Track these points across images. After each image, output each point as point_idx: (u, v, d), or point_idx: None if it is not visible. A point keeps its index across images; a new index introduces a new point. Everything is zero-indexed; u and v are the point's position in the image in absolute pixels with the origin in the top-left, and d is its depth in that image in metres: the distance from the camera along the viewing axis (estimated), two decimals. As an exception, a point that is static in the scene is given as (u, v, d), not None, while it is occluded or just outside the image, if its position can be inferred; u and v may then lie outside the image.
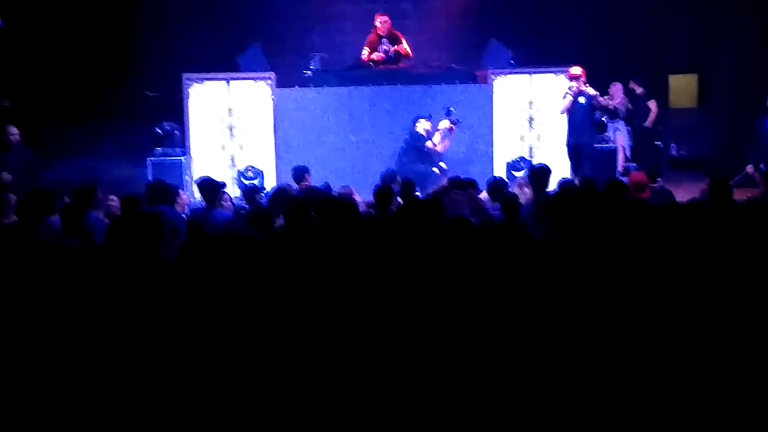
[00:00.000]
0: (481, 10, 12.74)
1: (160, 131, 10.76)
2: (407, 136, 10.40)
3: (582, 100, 10.24)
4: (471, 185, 7.48)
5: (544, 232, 4.92)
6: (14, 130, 10.09)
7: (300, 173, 8.51)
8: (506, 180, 8.82)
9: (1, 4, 10.18)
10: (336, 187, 8.03)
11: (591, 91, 10.33)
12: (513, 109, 10.94)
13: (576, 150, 10.30)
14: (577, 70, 10.30)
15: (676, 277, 3.65)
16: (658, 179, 8.43)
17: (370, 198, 7.01)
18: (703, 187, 7.41)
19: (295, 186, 8.30)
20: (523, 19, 12.49)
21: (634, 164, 11.15)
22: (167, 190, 7.05)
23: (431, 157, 10.28)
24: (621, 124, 11.80)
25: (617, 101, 11.77)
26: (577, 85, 10.23)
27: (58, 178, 9.20)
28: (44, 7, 11.76)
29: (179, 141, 10.80)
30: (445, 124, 10.37)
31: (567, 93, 10.27)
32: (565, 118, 10.41)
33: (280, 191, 7.38)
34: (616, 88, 11.83)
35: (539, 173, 7.59)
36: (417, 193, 7.94)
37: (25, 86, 11.62)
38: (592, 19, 12.47)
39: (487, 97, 10.93)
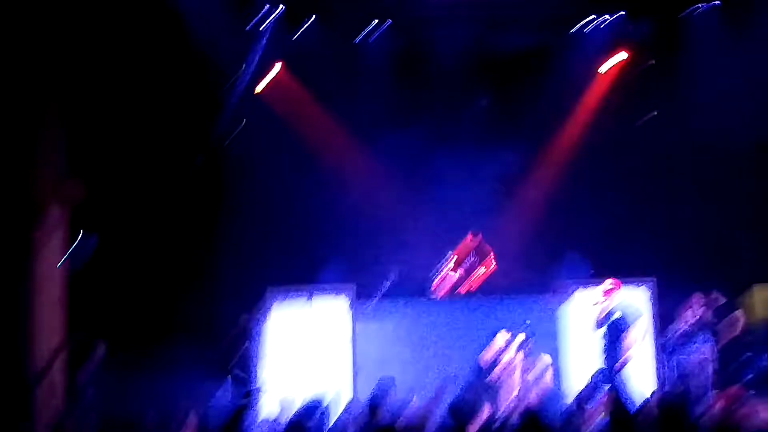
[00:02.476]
0: (553, 225, 12.92)
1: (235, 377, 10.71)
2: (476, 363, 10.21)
3: (618, 315, 9.92)
4: None
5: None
6: (100, 346, 10.26)
7: (386, 386, 8.16)
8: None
9: (96, 219, 10.63)
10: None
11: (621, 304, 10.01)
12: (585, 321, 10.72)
13: (610, 367, 9.84)
14: (608, 284, 10.10)
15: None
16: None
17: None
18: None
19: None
20: (598, 233, 12.58)
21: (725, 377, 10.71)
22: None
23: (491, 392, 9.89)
24: (708, 336, 11.47)
25: (699, 313, 11.52)
26: (608, 300, 9.98)
27: (137, 396, 9.23)
28: (131, 223, 12.29)
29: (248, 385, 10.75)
30: (520, 338, 10.14)
31: (600, 309, 10.01)
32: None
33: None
34: (701, 298, 11.61)
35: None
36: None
37: (109, 304, 11.91)
38: (669, 229, 12.50)
39: (566, 308, 10.79)
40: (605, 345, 9.95)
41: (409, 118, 13.35)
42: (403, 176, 13.49)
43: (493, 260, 11.37)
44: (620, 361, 9.67)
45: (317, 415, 8.56)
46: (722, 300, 11.71)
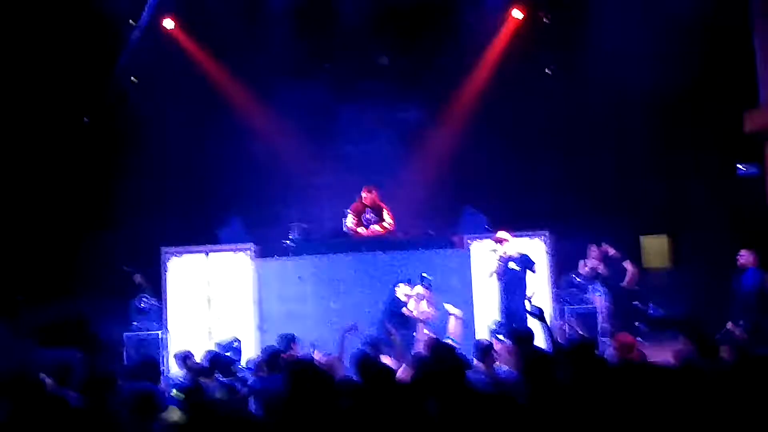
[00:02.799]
0: (454, 178, 13.12)
1: (140, 305, 10.69)
2: (387, 302, 10.40)
3: (513, 265, 10.24)
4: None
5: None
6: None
7: (287, 342, 8.42)
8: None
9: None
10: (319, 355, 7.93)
11: (515, 252, 10.28)
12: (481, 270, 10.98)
13: (511, 314, 10.11)
14: (503, 234, 10.41)
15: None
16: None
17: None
18: (680, 346, 7.41)
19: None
20: (495, 185, 12.84)
21: (616, 325, 11.18)
22: (153, 366, 6.96)
23: (411, 322, 10.24)
24: (600, 286, 11.92)
25: (593, 264, 11.95)
26: (503, 249, 10.27)
27: (34, 355, 9.03)
28: (25, 180, 11.90)
29: (156, 316, 10.71)
30: (418, 289, 10.39)
31: (495, 258, 10.28)
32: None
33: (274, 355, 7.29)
34: (593, 250, 12.03)
35: (525, 338, 7.57)
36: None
37: (4, 261, 11.59)
38: (562, 181, 12.84)
39: (465, 261, 11.04)
40: (504, 289, 10.22)
41: (311, 73, 13.26)
42: (305, 131, 13.43)
43: (389, 216, 11.45)
44: (527, 299, 9.96)
45: (233, 353, 8.61)
46: (613, 251, 12.17)
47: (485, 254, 10.81)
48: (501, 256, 10.24)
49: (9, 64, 11.61)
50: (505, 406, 3.98)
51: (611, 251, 12.19)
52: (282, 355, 8.10)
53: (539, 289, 10.61)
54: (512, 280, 10.18)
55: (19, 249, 11.86)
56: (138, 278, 11.42)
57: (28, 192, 12.05)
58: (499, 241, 10.31)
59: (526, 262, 10.25)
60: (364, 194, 11.51)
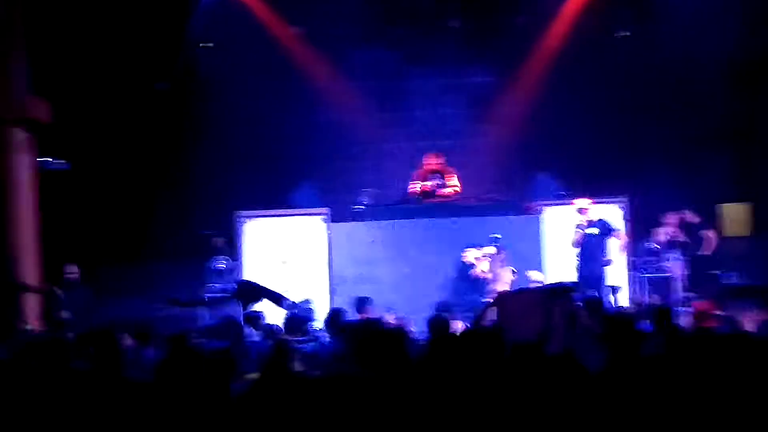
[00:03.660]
0: (526, 143, 12.95)
1: (216, 266, 10.90)
2: (457, 266, 10.42)
3: (595, 230, 10.07)
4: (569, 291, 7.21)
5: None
6: (73, 268, 10.29)
7: (362, 304, 8.54)
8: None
9: (64, 144, 10.59)
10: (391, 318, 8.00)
11: (598, 218, 10.16)
12: (562, 238, 10.89)
13: (587, 281, 9.98)
14: (584, 202, 10.24)
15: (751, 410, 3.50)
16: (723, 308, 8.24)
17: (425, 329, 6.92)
18: (763, 315, 7.22)
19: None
20: (568, 150, 12.64)
21: (694, 294, 10.95)
22: (234, 326, 7.14)
23: (482, 285, 10.22)
24: (678, 253, 11.65)
25: (671, 231, 11.68)
26: (585, 218, 10.12)
27: (114, 316, 9.29)
28: (97, 148, 12.19)
29: (233, 277, 10.90)
30: (490, 250, 10.37)
31: (576, 227, 10.14)
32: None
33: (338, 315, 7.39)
34: (670, 218, 11.75)
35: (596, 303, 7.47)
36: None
37: (83, 226, 11.93)
38: (639, 146, 12.57)
39: (535, 227, 10.94)
40: (581, 255, 10.11)
41: (381, 37, 13.19)
42: (374, 96, 13.41)
43: (457, 181, 11.40)
44: (604, 261, 9.87)
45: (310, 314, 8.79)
46: (692, 218, 11.87)
47: (561, 222, 10.73)
48: (579, 224, 10.14)
49: (85, 31, 11.85)
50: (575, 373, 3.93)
51: (691, 217, 11.90)
52: (358, 315, 8.21)
53: (617, 255, 10.48)
54: (590, 246, 10.09)
55: (99, 213, 12.18)
56: (219, 242, 11.60)
57: (104, 158, 12.33)
58: (581, 210, 10.20)
59: (605, 227, 10.14)
60: (427, 160, 11.50)
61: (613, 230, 10.16)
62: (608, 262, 10.04)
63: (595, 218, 10.16)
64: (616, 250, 10.34)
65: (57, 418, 4.07)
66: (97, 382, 4.52)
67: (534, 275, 10.10)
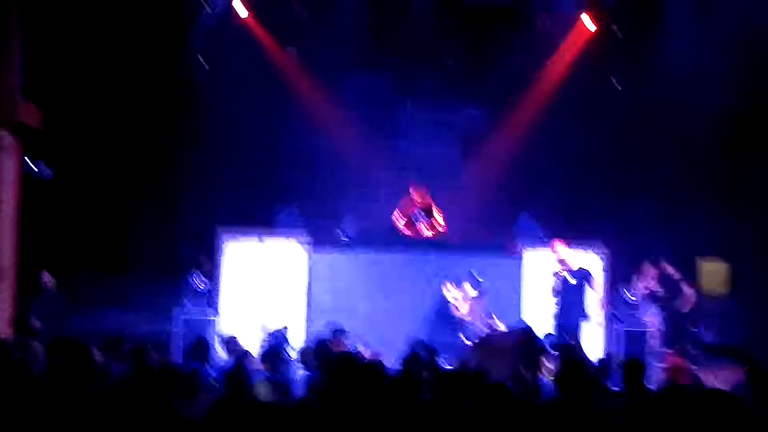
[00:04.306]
0: (512, 185, 13.00)
1: (193, 283, 10.80)
2: (436, 304, 10.39)
3: (573, 280, 10.05)
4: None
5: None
6: (47, 276, 10.18)
7: (337, 335, 8.44)
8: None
9: (44, 149, 10.51)
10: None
11: (578, 267, 10.11)
12: (542, 283, 10.89)
13: (564, 329, 9.95)
14: (561, 250, 10.17)
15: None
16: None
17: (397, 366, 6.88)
18: (737, 375, 7.21)
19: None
20: (554, 195, 12.71)
21: (669, 349, 10.95)
22: (204, 347, 7.08)
23: (459, 325, 10.20)
24: (655, 307, 11.66)
25: (650, 284, 11.71)
26: (562, 267, 10.09)
27: (86, 327, 9.18)
28: (83, 155, 12.12)
29: (208, 297, 10.82)
30: (472, 292, 10.35)
31: (554, 275, 10.11)
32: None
33: (321, 347, 7.32)
34: (649, 271, 11.79)
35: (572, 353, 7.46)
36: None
37: (63, 233, 11.82)
38: (623, 195, 12.66)
39: (516, 268, 10.94)
40: (560, 304, 10.06)
41: (376, 67, 13.25)
42: (365, 125, 13.43)
43: (440, 216, 11.41)
44: (583, 313, 9.82)
45: (284, 344, 8.70)
46: (670, 271, 11.91)
47: (542, 266, 10.71)
48: (557, 272, 10.09)
49: (78, 38, 11.83)
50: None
51: (670, 270, 11.94)
52: (329, 345, 8.13)
53: (595, 309, 10.46)
54: (569, 295, 10.00)
55: (79, 221, 12.08)
56: (203, 260, 11.52)
57: (87, 166, 12.25)
58: (559, 259, 10.13)
59: (584, 277, 10.08)
60: (412, 193, 11.51)
61: (592, 281, 10.10)
62: (586, 317, 9.96)
63: (575, 267, 10.12)
64: (594, 303, 10.29)
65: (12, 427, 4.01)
66: (59, 392, 4.45)
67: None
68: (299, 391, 6.78)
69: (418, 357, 6.88)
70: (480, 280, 10.37)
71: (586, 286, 10.05)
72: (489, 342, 6.62)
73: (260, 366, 7.67)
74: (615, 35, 13.20)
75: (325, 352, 7.19)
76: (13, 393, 4.39)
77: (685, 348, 9.63)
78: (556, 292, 10.08)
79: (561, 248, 10.20)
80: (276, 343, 8.45)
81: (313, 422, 4.23)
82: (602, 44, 13.24)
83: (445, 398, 4.85)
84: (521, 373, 7.09)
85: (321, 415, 4.48)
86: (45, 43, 10.99)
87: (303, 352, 7.36)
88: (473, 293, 10.36)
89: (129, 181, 12.52)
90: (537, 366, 7.41)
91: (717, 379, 8.38)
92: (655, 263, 11.91)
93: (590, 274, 10.14)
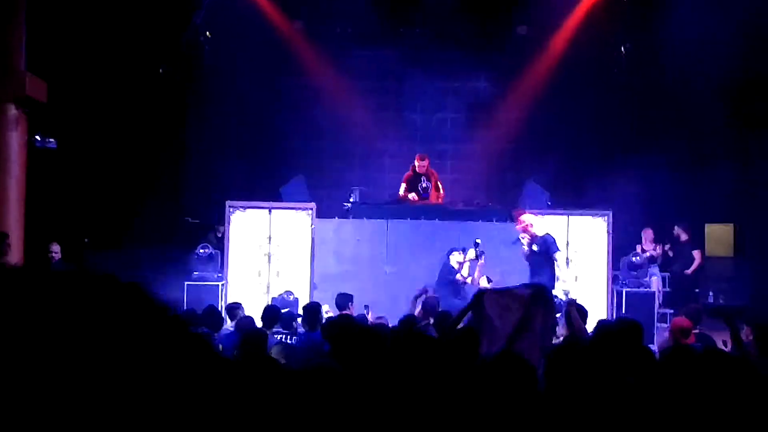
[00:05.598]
0: (519, 152, 13.01)
1: (200, 253, 10.89)
2: (440, 270, 10.44)
3: (535, 247, 9.84)
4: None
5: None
6: (56, 247, 10.26)
7: (343, 301, 8.51)
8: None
9: (52, 123, 10.54)
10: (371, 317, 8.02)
11: (538, 234, 9.88)
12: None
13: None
14: (526, 217, 9.99)
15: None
16: (698, 325, 8.26)
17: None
18: (743, 336, 7.24)
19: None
20: (560, 163, 12.70)
21: (671, 310, 11.02)
22: (214, 314, 7.18)
23: (464, 290, 10.23)
24: (657, 269, 11.73)
25: (647, 247, 11.76)
26: (526, 234, 9.93)
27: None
28: (89, 129, 12.16)
29: (217, 265, 10.91)
30: (471, 254, 10.36)
31: (521, 241, 9.94)
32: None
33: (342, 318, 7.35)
34: (648, 234, 11.83)
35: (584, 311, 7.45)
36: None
37: (69, 205, 11.89)
38: (630, 161, 12.65)
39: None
40: (530, 272, 9.93)
41: (383, 37, 13.22)
42: (372, 96, 13.44)
43: (440, 186, 11.45)
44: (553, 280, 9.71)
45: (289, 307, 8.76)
46: (685, 236, 11.96)
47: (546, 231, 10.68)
48: (520, 238, 9.94)
49: (85, 11, 11.82)
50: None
51: (684, 235, 11.99)
52: (341, 312, 8.21)
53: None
54: (536, 263, 9.92)
55: (86, 194, 12.14)
56: (220, 230, 11.58)
57: (95, 139, 12.29)
58: (522, 226, 10.00)
59: (547, 244, 9.93)
60: (417, 162, 11.53)
61: (554, 251, 9.92)
62: (554, 284, 9.73)
63: (540, 234, 9.97)
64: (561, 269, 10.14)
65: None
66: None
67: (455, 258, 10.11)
68: (303, 355, 6.87)
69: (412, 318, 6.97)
70: (478, 241, 10.32)
71: (548, 256, 9.87)
72: (492, 298, 6.52)
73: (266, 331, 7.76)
74: (621, 1, 13.14)
75: (321, 315, 7.25)
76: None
77: (691, 310, 9.66)
78: (525, 257, 9.95)
79: (526, 217, 10.01)
80: (278, 306, 8.51)
81: (323, 384, 4.28)
82: (609, 11, 13.17)
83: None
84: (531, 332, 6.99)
85: (340, 378, 4.54)
86: (51, 16, 10.99)
87: (305, 317, 7.40)
88: (472, 255, 10.38)
89: (137, 154, 12.56)
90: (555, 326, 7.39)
91: (723, 340, 8.43)
92: (660, 228, 11.96)
93: (553, 241, 9.96)
